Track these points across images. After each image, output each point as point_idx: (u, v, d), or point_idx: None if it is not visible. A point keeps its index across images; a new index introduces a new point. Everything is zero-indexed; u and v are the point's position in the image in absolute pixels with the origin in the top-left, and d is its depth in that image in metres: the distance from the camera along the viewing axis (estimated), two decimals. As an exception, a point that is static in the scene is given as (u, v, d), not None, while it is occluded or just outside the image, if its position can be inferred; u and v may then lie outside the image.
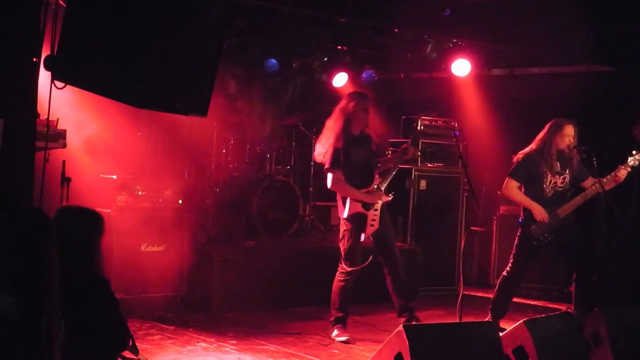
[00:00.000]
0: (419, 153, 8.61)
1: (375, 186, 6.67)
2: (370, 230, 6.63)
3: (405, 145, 6.86)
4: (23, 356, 3.05)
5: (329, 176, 6.62)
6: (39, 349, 3.08)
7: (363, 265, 6.68)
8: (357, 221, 6.62)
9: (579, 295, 6.86)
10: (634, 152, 6.81)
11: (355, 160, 6.63)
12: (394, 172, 6.80)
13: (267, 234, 8.59)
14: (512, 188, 6.87)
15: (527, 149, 6.93)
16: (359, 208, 6.59)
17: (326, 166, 6.63)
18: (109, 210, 6.96)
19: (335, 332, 6.63)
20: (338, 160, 6.55)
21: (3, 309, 3.03)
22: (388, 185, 6.73)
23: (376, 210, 6.63)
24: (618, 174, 6.73)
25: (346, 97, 6.77)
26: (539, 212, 6.77)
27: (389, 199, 6.72)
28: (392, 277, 6.80)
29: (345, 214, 6.64)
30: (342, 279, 6.70)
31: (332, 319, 6.71)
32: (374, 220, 6.62)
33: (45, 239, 3.19)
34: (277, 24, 7.77)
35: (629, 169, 6.76)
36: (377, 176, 6.75)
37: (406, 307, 6.86)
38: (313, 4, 7.04)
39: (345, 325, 6.71)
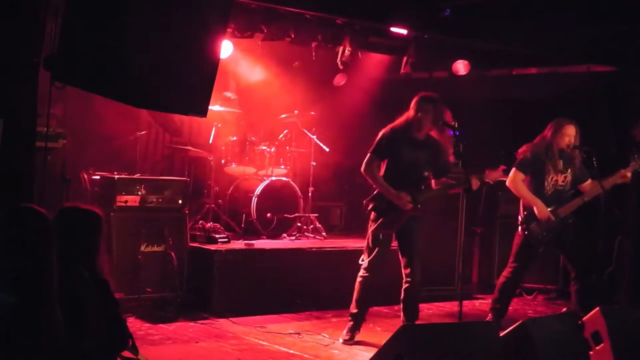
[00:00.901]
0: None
1: (411, 193, 6.39)
2: (381, 231, 6.44)
3: (474, 176, 6.46)
4: (22, 355, 3.05)
5: (366, 158, 6.47)
6: (39, 349, 3.08)
7: (369, 260, 6.47)
8: (376, 216, 6.48)
9: (578, 295, 6.87)
10: (636, 156, 6.84)
11: (401, 159, 6.41)
12: (440, 193, 6.62)
13: (267, 234, 8.59)
14: (519, 181, 6.90)
15: (531, 144, 6.97)
16: (381, 204, 6.43)
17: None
18: (109, 211, 6.97)
19: (345, 330, 6.59)
20: (379, 146, 6.42)
21: (3, 308, 3.03)
22: (425, 200, 6.48)
23: (397, 214, 6.39)
24: (619, 178, 6.78)
25: (414, 100, 6.56)
26: (542, 210, 6.79)
27: (413, 212, 6.41)
28: (405, 287, 6.56)
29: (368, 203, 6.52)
30: (360, 274, 6.56)
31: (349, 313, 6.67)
32: (389, 224, 6.44)
33: (46, 239, 3.19)
34: (277, 23, 7.76)
35: (630, 174, 6.80)
36: (422, 186, 6.49)
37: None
38: (313, 4, 7.03)
39: (357, 325, 6.60)
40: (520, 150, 7.00)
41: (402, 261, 6.52)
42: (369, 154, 6.44)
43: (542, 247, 7.00)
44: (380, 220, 6.43)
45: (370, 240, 6.50)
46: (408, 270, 6.48)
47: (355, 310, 6.59)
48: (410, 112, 6.49)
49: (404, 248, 6.52)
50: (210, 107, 4.68)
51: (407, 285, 6.52)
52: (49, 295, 3.13)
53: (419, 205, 6.43)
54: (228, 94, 9.30)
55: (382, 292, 8.16)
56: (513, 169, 6.92)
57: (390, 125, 6.51)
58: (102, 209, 3.94)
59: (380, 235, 6.46)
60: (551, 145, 6.83)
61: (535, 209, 6.81)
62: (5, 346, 3.02)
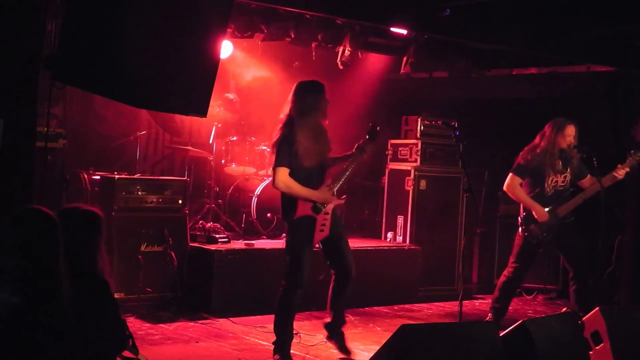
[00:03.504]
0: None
1: (327, 186, 5.87)
2: (319, 236, 5.84)
3: (360, 142, 5.99)
4: (26, 355, 3.05)
5: (275, 174, 5.78)
6: (43, 349, 3.08)
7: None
8: (307, 226, 5.79)
9: (576, 295, 6.89)
10: (632, 152, 6.86)
11: (305, 156, 5.78)
12: (347, 173, 5.94)
13: (267, 234, 8.60)
14: (515, 185, 6.90)
15: (529, 147, 6.97)
16: (308, 210, 5.77)
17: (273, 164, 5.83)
18: (109, 210, 6.97)
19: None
20: (284, 154, 5.75)
21: (7, 309, 3.03)
22: (341, 187, 5.94)
23: (327, 213, 5.83)
24: (617, 173, 6.79)
25: (298, 87, 5.91)
26: (541, 213, 6.80)
27: (341, 202, 5.98)
28: (337, 291, 6.04)
29: (292, 217, 5.79)
30: (286, 296, 5.90)
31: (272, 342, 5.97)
32: (323, 225, 5.83)
33: (51, 240, 3.19)
34: (277, 23, 7.77)
35: (628, 169, 6.82)
36: (328, 176, 5.95)
37: (335, 331, 6.15)
38: (313, 4, 7.03)
39: (287, 355, 5.91)
40: (519, 155, 6.99)
41: (334, 269, 6.07)
42: (276, 168, 5.79)
43: (543, 247, 7.01)
44: (315, 233, 5.83)
45: (300, 263, 5.87)
46: (341, 278, 6.01)
47: (280, 338, 6.00)
48: (303, 103, 5.85)
49: (334, 254, 6.05)
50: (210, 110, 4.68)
51: (336, 294, 6.05)
52: (53, 295, 3.14)
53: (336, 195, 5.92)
54: (230, 96, 9.30)
55: (381, 292, 8.20)
56: (510, 174, 6.93)
57: (281, 128, 5.90)
58: (102, 209, 3.94)
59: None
60: (553, 145, 6.84)
61: (534, 213, 6.82)
62: (9, 346, 3.02)
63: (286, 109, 5.89)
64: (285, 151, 5.75)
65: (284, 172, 5.73)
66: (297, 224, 5.80)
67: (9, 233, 3.16)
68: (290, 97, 5.89)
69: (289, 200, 5.82)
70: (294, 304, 5.93)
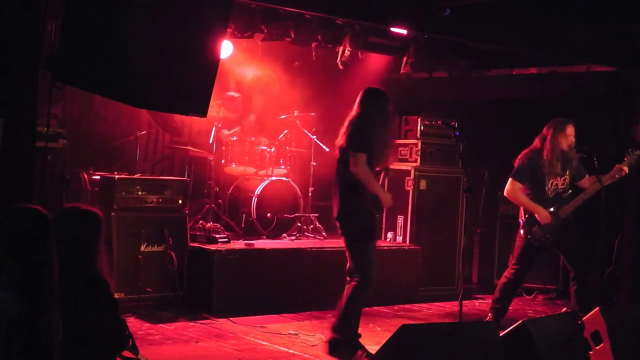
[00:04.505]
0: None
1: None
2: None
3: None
4: (22, 355, 3.05)
5: (357, 158, 5.73)
6: (38, 348, 3.08)
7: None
8: (369, 218, 5.89)
9: (577, 295, 6.88)
10: (630, 150, 6.87)
11: (379, 155, 5.85)
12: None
13: (267, 234, 8.60)
14: (516, 190, 6.87)
15: (528, 150, 6.96)
16: (371, 205, 5.88)
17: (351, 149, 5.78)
18: (109, 210, 6.97)
19: None
20: (366, 142, 5.77)
21: (3, 308, 3.03)
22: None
23: (378, 216, 6.00)
24: (616, 172, 6.81)
25: (369, 92, 6.08)
26: (544, 215, 6.79)
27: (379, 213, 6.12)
28: (354, 296, 6.00)
29: (357, 205, 5.83)
30: (358, 293, 5.90)
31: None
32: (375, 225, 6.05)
33: (45, 238, 3.19)
34: (277, 23, 7.77)
35: (627, 167, 6.83)
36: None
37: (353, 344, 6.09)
38: (313, 4, 7.03)
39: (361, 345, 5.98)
40: (517, 158, 6.98)
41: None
42: (357, 154, 5.77)
43: (544, 248, 7.01)
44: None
45: (371, 258, 5.96)
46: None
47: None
48: (372, 106, 6.01)
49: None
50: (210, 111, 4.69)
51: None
52: (48, 294, 3.13)
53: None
54: (230, 93, 9.32)
55: (381, 292, 8.19)
56: (510, 179, 6.91)
57: (358, 118, 5.97)
58: (102, 209, 3.94)
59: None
60: (554, 147, 6.82)
61: (537, 215, 6.81)
62: (5, 345, 3.02)
63: (358, 111, 5.94)
64: (367, 139, 5.76)
65: (365, 158, 5.73)
66: (362, 213, 5.83)
67: (2, 232, 3.16)
68: (360, 100, 5.97)
69: (357, 189, 5.78)
70: (364, 301, 6.01)
